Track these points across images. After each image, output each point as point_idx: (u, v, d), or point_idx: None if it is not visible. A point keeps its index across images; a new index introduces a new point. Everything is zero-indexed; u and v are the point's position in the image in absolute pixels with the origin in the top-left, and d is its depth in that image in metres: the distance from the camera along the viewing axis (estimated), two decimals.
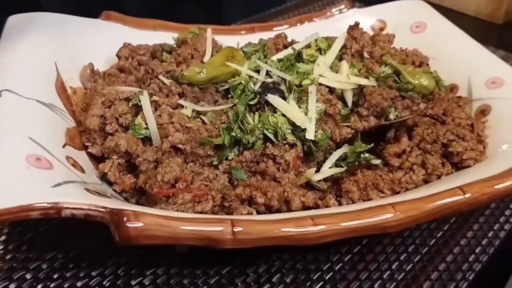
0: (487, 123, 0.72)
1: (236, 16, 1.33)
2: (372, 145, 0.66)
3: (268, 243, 0.49)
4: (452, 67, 0.83)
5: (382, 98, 0.73)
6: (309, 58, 0.80)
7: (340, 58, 0.84)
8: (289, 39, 0.91)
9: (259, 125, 0.66)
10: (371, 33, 0.91)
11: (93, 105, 0.68)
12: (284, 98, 0.70)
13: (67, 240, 0.65)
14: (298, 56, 0.81)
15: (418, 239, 0.69)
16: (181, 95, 0.72)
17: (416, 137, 0.68)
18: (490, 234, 0.71)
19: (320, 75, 0.75)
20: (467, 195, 0.54)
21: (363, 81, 0.76)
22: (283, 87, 0.73)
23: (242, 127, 0.66)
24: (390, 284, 0.62)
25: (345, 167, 0.65)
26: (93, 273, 0.61)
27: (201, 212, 0.57)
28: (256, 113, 0.69)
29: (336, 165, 0.66)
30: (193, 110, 0.68)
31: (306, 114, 0.68)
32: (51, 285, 0.60)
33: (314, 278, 0.63)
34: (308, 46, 0.84)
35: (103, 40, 0.85)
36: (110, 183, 0.62)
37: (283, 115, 0.67)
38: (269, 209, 0.61)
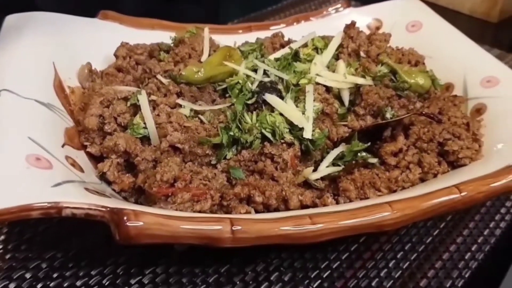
0: (482, 122, 0.72)
1: (232, 14, 1.34)
2: (369, 144, 0.67)
3: (266, 242, 0.50)
4: (447, 66, 0.83)
5: (378, 97, 0.74)
6: (306, 58, 0.81)
7: (336, 57, 0.84)
8: (286, 38, 0.92)
9: (257, 124, 0.66)
10: (367, 32, 0.91)
11: (91, 105, 0.68)
12: (282, 97, 0.71)
13: (66, 240, 0.65)
14: (295, 55, 0.82)
15: (414, 237, 0.69)
16: (179, 95, 0.72)
17: (413, 136, 0.69)
18: (485, 232, 0.71)
19: (317, 74, 0.75)
20: (463, 194, 0.55)
21: (360, 80, 0.76)
22: (280, 87, 0.73)
23: (240, 126, 0.66)
24: (388, 282, 0.63)
25: (342, 166, 0.65)
26: (93, 272, 0.62)
27: (200, 211, 0.57)
28: (254, 112, 0.69)
29: (334, 164, 0.66)
30: (191, 110, 0.69)
31: (303, 113, 0.68)
32: (51, 284, 0.60)
33: (312, 276, 0.63)
34: (305, 45, 0.85)
35: (100, 40, 0.84)
36: (109, 183, 0.63)
37: (281, 114, 0.67)
38: (267, 208, 0.61)
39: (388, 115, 0.72)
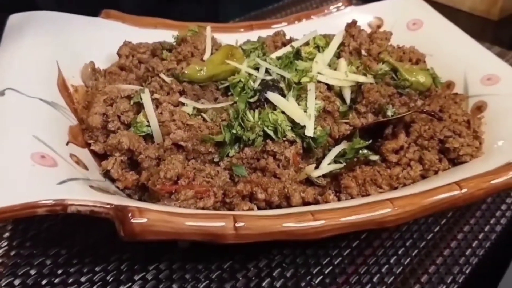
0: (483, 119, 0.72)
1: (233, 13, 1.34)
2: (370, 141, 0.67)
3: (269, 238, 0.50)
4: (448, 64, 0.84)
5: (379, 95, 0.74)
6: (308, 56, 0.81)
7: (338, 55, 0.84)
8: (287, 37, 0.92)
9: (259, 122, 0.67)
10: (368, 30, 0.92)
11: (95, 103, 0.69)
12: (284, 96, 0.71)
13: (70, 236, 0.66)
14: (297, 54, 0.82)
15: (416, 233, 0.70)
16: (182, 93, 0.73)
17: (414, 133, 0.69)
18: (486, 228, 0.72)
19: (319, 73, 0.75)
20: (464, 190, 0.55)
21: (361, 79, 0.77)
22: (282, 85, 0.73)
23: (242, 124, 0.67)
24: (389, 278, 0.64)
25: (344, 163, 0.66)
26: (97, 269, 0.62)
27: (203, 208, 0.57)
28: (256, 110, 0.69)
29: (335, 161, 0.67)
30: (194, 108, 0.69)
31: (305, 111, 0.68)
32: (55, 281, 0.60)
33: (314, 272, 0.64)
34: (307, 43, 0.85)
35: (103, 38, 0.85)
36: (113, 180, 0.63)
37: (283, 112, 0.68)
38: (269, 205, 0.61)
39: (389, 113, 0.72)
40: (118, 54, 0.83)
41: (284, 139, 0.67)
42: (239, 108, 0.69)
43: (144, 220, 0.46)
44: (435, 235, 0.70)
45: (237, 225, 0.48)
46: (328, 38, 0.86)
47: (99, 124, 0.68)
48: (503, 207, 0.76)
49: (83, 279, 0.61)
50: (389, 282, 0.63)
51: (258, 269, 0.64)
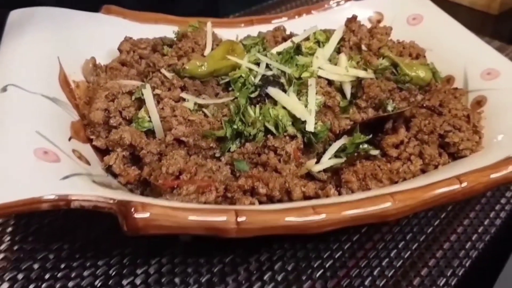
0: (483, 114, 0.73)
1: (232, 8, 1.34)
2: (371, 136, 0.67)
3: (271, 232, 0.50)
4: (448, 59, 0.84)
5: (380, 90, 0.74)
6: (308, 51, 0.81)
7: (338, 50, 0.84)
8: (287, 32, 0.92)
9: (260, 118, 0.67)
10: (368, 25, 0.92)
11: (96, 99, 0.69)
12: (284, 91, 0.71)
13: (72, 231, 0.66)
14: (297, 49, 0.82)
15: (415, 227, 0.70)
16: (183, 89, 0.73)
17: (414, 128, 0.69)
18: (486, 222, 0.72)
19: (319, 68, 0.76)
20: (464, 185, 0.55)
21: (361, 74, 0.77)
22: (283, 80, 0.74)
23: (243, 119, 0.67)
24: (389, 271, 0.64)
25: (345, 158, 0.66)
26: (99, 263, 0.62)
27: (205, 203, 0.58)
28: (257, 105, 0.70)
29: (336, 156, 0.67)
30: (195, 103, 0.69)
31: (306, 106, 0.69)
32: (58, 275, 0.61)
33: (315, 266, 0.64)
34: (307, 38, 0.85)
35: (104, 34, 0.85)
36: (115, 175, 0.63)
37: (284, 107, 0.68)
38: (271, 199, 0.62)
39: (389, 108, 0.72)
40: (119, 49, 0.83)
41: (285, 134, 0.67)
42: (240, 104, 0.69)
43: (147, 214, 0.46)
44: (435, 228, 0.71)
45: (239, 219, 0.49)
46: (328, 33, 0.86)
47: (101, 120, 0.68)
48: (503, 200, 0.76)
49: (85, 273, 0.61)
50: (389, 275, 0.64)
51: (259, 263, 0.64)
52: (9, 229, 0.66)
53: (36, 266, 0.62)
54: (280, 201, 0.62)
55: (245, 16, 1.03)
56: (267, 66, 0.77)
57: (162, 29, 0.89)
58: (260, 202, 0.61)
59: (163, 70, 0.75)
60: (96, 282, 0.60)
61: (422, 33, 0.91)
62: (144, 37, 0.87)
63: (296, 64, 0.77)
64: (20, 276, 0.60)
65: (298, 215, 0.50)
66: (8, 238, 0.65)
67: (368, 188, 0.64)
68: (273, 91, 0.70)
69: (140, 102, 0.69)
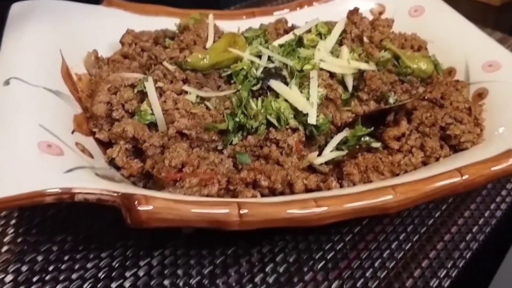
0: (484, 106, 0.73)
1: (233, 0, 1.33)
2: (372, 128, 0.68)
3: (273, 225, 0.51)
4: (450, 51, 0.84)
5: (381, 82, 0.74)
6: (310, 43, 0.81)
7: (340, 43, 0.84)
8: (289, 24, 0.92)
9: (262, 111, 0.67)
10: (370, 17, 0.92)
11: (99, 92, 0.69)
12: (286, 83, 0.71)
13: (76, 223, 0.66)
14: (299, 41, 0.82)
15: (417, 219, 0.71)
16: (185, 81, 0.73)
17: (415, 120, 0.70)
18: (486, 214, 0.73)
19: (321, 60, 0.76)
20: (465, 177, 0.56)
21: (363, 66, 0.77)
22: (285, 72, 0.74)
23: (245, 112, 0.67)
24: (390, 263, 0.64)
25: (346, 151, 0.67)
26: (103, 255, 0.63)
27: (207, 196, 0.58)
28: (259, 98, 0.70)
29: (337, 148, 0.67)
30: (197, 96, 0.69)
31: (308, 99, 0.69)
32: (62, 267, 0.61)
33: (316, 257, 0.65)
34: (309, 31, 0.85)
35: (105, 26, 0.85)
36: (118, 168, 0.63)
37: (286, 100, 0.68)
38: (272, 192, 0.62)
39: (391, 100, 0.72)
40: (121, 42, 0.83)
41: (287, 127, 0.67)
42: (242, 96, 0.69)
43: (150, 207, 0.47)
44: (436, 220, 0.71)
45: (241, 212, 0.49)
46: (330, 25, 0.85)
47: (104, 113, 0.68)
48: (503, 192, 0.76)
49: (89, 265, 0.62)
50: (390, 266, 0.64)
51: (261, 255, 0.65)
52: (13, 221, 0.67)
53: (39, 258, 0.62)
54: (282, 193, 0.62)
55: (246, 7, 1.03)
56: (269, 58, 0.77)
57: (164, 21, 0.89)
58: (262, 195, 0.61)
59: (165, 63, 0.75)
60: (100, 274, 0.61)
61: (423, 25, 0.91)
62: (146, 30, 0.87)
63: (298, 57, 0.77)
64: (24, 268, 0.61)
65: (300, 207, 0.51)
66: (12, 230, 0.66)
67: (370, 180, 0.64)
68: (275, 83, 0.71)
69: (143, 95, 0.69)
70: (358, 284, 0.62)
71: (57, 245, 0.64)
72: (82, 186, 0.49)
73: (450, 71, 0.83)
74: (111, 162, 0.64)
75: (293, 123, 0.67)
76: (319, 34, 0.84)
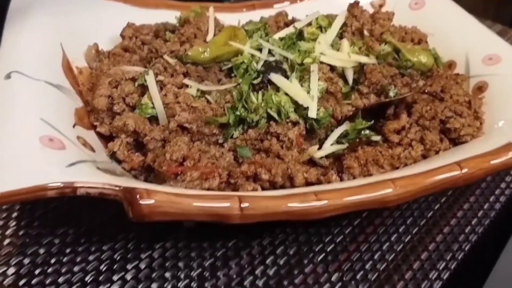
0: (484, 99, 0.73)
1: None
2: (372, 122, 0.68)
3: (273, 218, 0.51)
4: (450, 44, 0.84)
5: (382, 75, 0.74)
6: (310, 37, 0.81)
7: (340, 36, 0.84)
8: (289, 17, 0.92)
9: (262, 104, 0.67)
10: (370, 10, 0.92)
11: (100, 85, 0.69)
12: (287, 77, 0.71)
13: (78, 216, 0.67)
14: (299, 35, 0.82)
15: (416, 211, 0.71)
16: (186, 75, 0.73)
17: (415, 113, 0.70)
18: (485, 206, 0.73)
19: (322, 54, 0.76)
20: (464, 170, 0.56)
21: (364, 59, 0.77)
22: (285, 66, 0.74)
23: (246, 106, 0.67)
24: (389, 255, 0.65)
25: (346, 144, 0.67)
26: (104, 247, 0.63)
27: (208, 189, 0.58)
28: (260, 92, 0.70)
29: (338, 142, 0.68)
30: (198, 90, 0.69)
31: (308, 92, 0.69)
32: (64, 260, 0.62)
33: (316, 250, 0.65)
34: (309, 24, 0.85)
35: (105, 20, 0.85)
36: (119, 161, 0.64)
37: (286, 94, 0.68)
38: (273, 185, 0.62)
39: (391, 94, 0.73)
40: (122, 35, 0.83)
41: (287, 120, 0.67)
42: (243, 90, 0.69)
43: (152, 201, 0.47)
44: (435, 213, 0.72)
45: (242, 205, 0.49)
46: (330, 19, 0.85)
47: (105, 106, 0.68)
48: (503, 185, 0.77)
49: (91, 257, 0.62)
50: (390, 259, 0.65)
51: (261, 247, 0.65)
52: (15, 214, 0.67)
53: (41, 251, 0.62)
54: (282, 187, 0.63)
55: (247, 0, 1.03)
56: (270, 52, 0.77)
57: (164, 14, 0.89)
58: (263, 188, 0.62)
59: (165, 56, 0.75)
60: (101, 267, 0.61)
61: (424, 18, 0.91)
62: (146, 23, 0.87)
63: (299, 50, 0.77)
64: (26, 261, 0.61)
65: (300, 201, 0.51)
66: (14, 223, 0.66)
67: (370, 173, 0.64)
68: (275, 77, 0.71)
69: (143, 89, 0.70)
70: (358, 276, 0.62)
71: (59, 238, 0.64)
72: (84, 180, 0.49)
73: (450, 64, 0.83)
74: (113, 155, 0.64)
75: (293, 116, 0.67)
76: (320, 27, 0.84)
